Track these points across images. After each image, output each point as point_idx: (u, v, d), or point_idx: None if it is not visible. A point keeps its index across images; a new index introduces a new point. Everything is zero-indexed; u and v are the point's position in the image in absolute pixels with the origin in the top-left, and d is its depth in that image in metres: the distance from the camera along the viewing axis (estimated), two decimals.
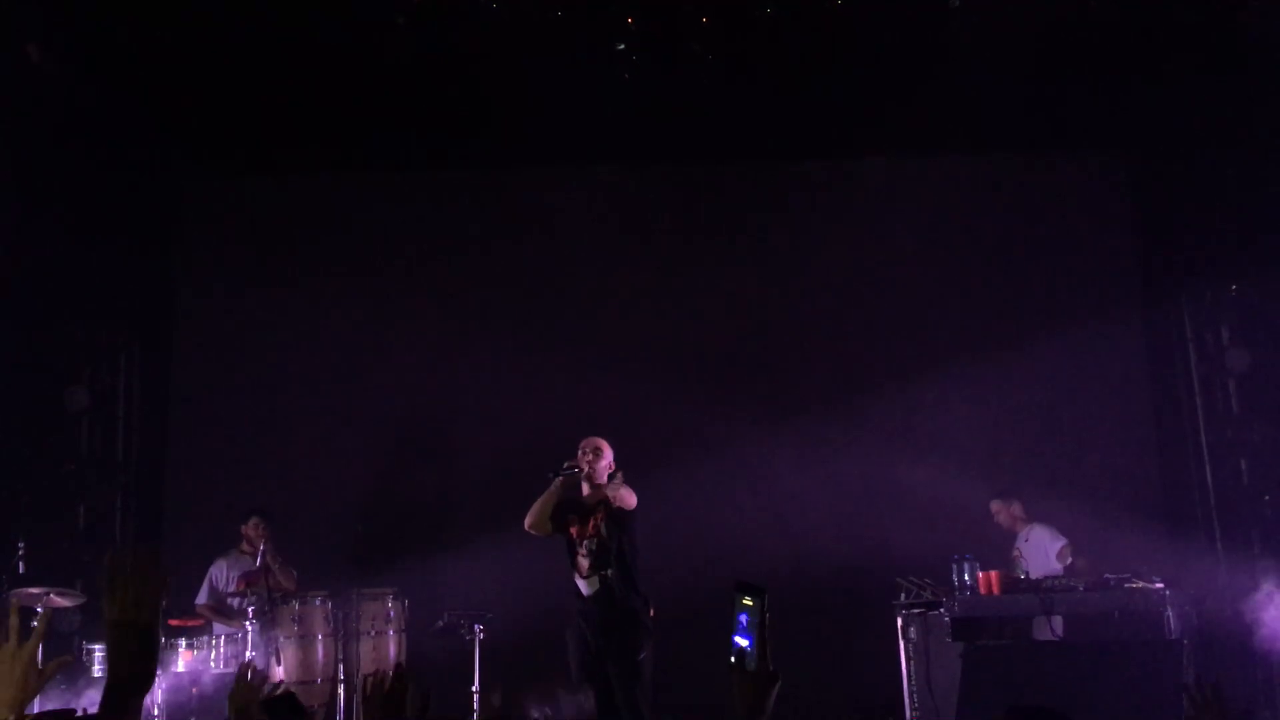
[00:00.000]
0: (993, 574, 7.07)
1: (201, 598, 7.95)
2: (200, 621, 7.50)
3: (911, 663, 7.18)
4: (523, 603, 8.13)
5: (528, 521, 6.45)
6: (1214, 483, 8.39)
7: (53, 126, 7.74)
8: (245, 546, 8.09)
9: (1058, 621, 7.09)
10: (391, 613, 7.67)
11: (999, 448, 8.81)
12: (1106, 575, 6.88)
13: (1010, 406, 8.99)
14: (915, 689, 7.15)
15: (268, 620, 7.32)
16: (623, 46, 7.88)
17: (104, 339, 8.80)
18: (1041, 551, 7.84)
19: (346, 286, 9.32)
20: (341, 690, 7.35)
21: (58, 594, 6.91)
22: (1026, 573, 7.51)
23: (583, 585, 6.45)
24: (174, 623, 7.32)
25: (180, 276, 9.58)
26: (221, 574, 8.03)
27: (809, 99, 8.60)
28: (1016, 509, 8.13)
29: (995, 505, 8.19)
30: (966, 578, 7.11)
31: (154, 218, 9.36)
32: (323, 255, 9.42)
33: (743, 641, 2.66)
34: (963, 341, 9.12)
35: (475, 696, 7.45)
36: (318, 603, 7.54)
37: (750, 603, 2.67)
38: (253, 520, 8.08)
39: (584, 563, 6.45)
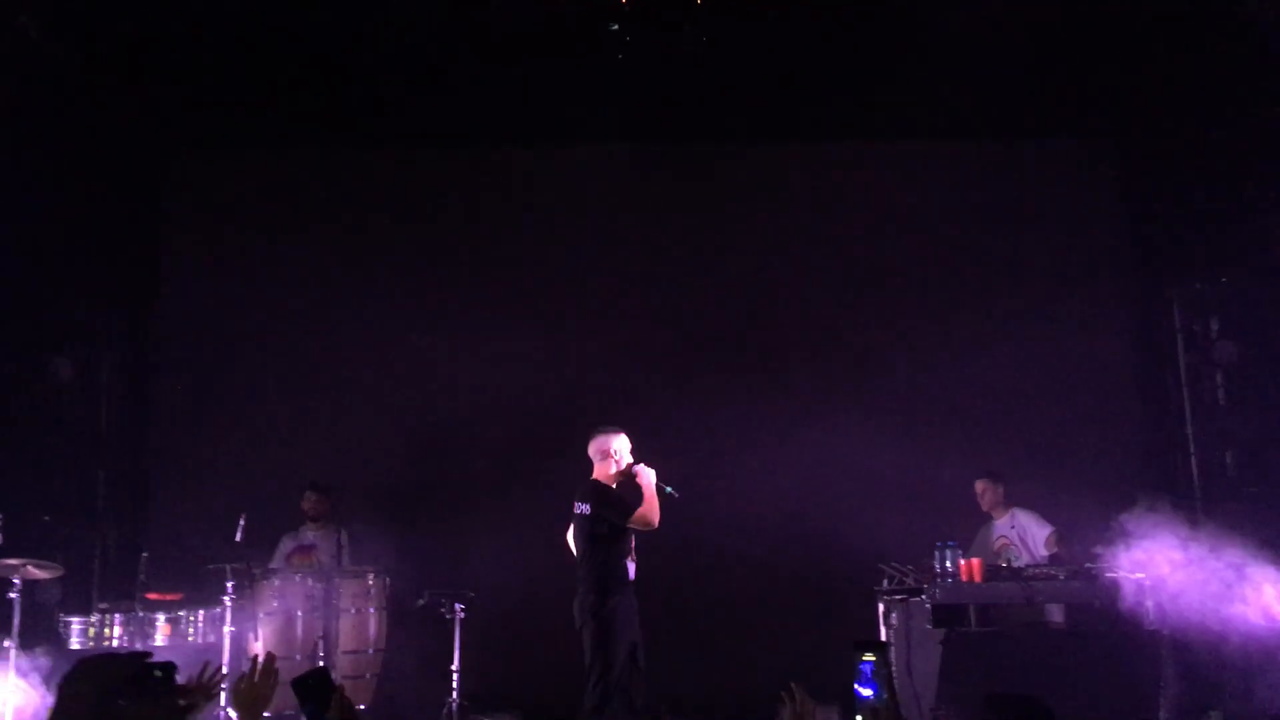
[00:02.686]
0: (975, 561, 7.05)
1: None
2: (179, 596, 7.45)
3: (892, 648, 7.17)
4: (504, 583, 8.14)
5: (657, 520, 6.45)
6: (1199, 474, 8.39)
7: (37, 97, 7.67)
8: (309, 522, 8.21)
9: (1057, 609, 7.07)
10: (372, 590, 7.64)
11: (984, 434, 8.80)
12: (1088, 564, 6.86)
13: (997, 394, 8.97)
14: (896, 675, 7.14)
15: (247, 595, 7.27)
16: (616, 27, 7.84)
17: (86, 311, 8.74)
18: (1030, 538, 7.82)
19: (332, 261, 9.29)
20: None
21: (35, 566, 6.86)
22: (1010, 561, 7.50)
23: (632, 569, 6.50)
24: (152, 596, 7.27)
25: (165, 249, 9.52)
26: (280, 550, 8.18)
27: (800, 82, 8.58)
28: (1001, 492, 8.08)
29: (982, 485, 8.08)
30: (948, 564, 7.08)
31: (139, 190, 9.31)
32: (308, 230, 9.37)
33: (866, 691, 2.99)
34: (950, 328, 9.11)
35: (455, 676, 7.44)
36: (298, 579, 7.51)
37: (873, 656, 3.01)
38: (306, 494, 8.23)
39: (632, 548, 6.53)
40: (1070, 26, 8.01)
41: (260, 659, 2.87)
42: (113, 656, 2.52)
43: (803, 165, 9.58)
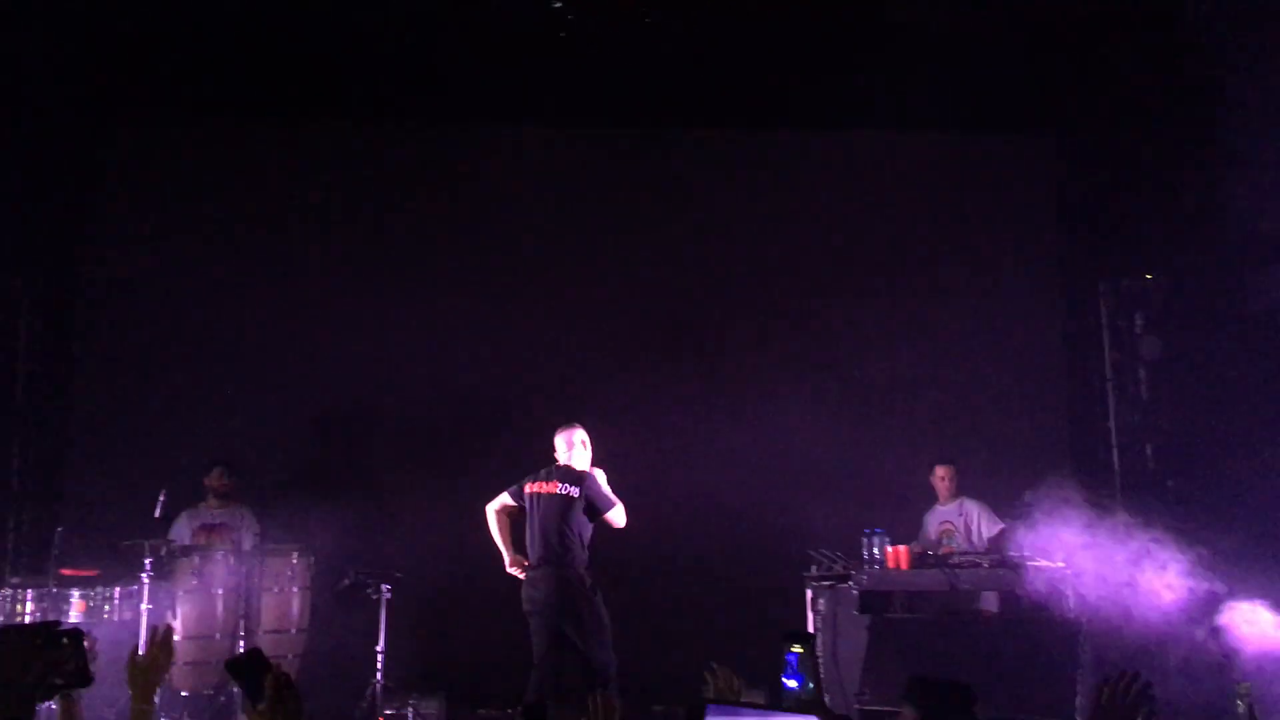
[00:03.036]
0: (901, 548, 7.14)
1: None
2: (95, 572, 7.25)
3: (819, 634, 7.23)
4: (432, 563, 8.07)
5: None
6: (1121, 466, 8.56)
7: None
8: (211, 500, 7.89)
9: (992, 598, 7.14)
10: (296, 569, 7.51)
11: (914, 423, 8.90)
12: (1011, 553, 6.97)
13: (928, 384, 9.09)
14: (822, 660, 7.20)
15: (165, 572, 7.11)
16: (559, 4, 7.78)
17: (3, 283, 8.43)
18: (975, 527, 7.87)
19: (256, 235, 9.11)
20: (242, 647, 7.18)
21: None
22: (949, 546, 7.57)
23: None
24: (67, 573, 7.08)
25: (86, 221, 9.23)
26: (181, 529, 7.76)
27: (742, 71, 8.61)
28: (958, 481, 8.08)
29: (945, 470, 8.03)
30: (876, 551, 7.17)
31: (59, 160, 8.96)
32: (232, 202, 9.17)
33: (792, 682, 3.02)
34: (881, 318, 9.19)
35: (380, 657, 7.35)
36: (219, 556, 7.35)
37: (800, 648, 3.05)
38: (215, 470, 7.91)
39: None
40: (1010, 24, 8.11)
41: (159, 633, 2.79)
42: (19, 627, 2.45)
43: (740, 154, 9.59)
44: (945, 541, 7.82)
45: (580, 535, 6.83)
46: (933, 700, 3.48)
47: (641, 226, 9.43)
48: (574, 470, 6.98)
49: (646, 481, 8.49)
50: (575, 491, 6.84)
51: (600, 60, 8.34)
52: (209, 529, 7.85)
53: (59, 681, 2.32)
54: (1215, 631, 6.64)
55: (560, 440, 7.11)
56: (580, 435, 7.08)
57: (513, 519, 7.06)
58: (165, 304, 8.96)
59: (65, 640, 2.34)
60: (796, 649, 2.97)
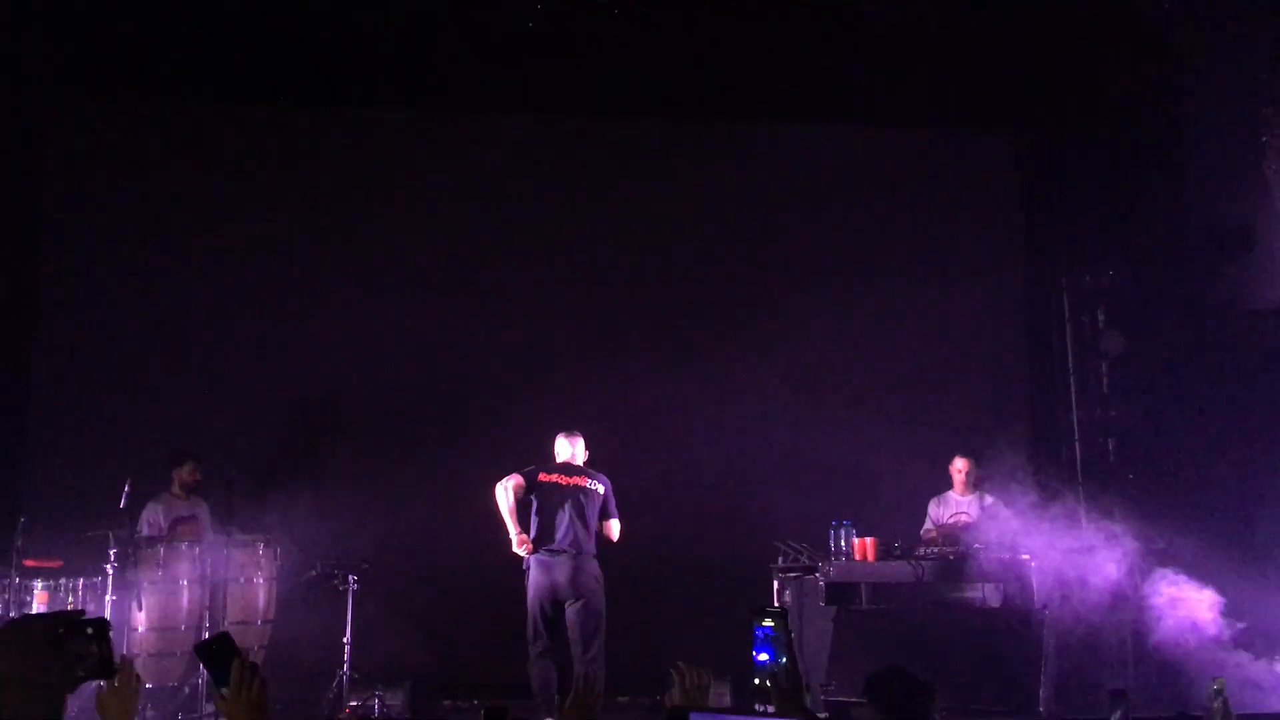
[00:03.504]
0: (868, 540, 7.19)
1: None
2: (58, 563, 7.17)
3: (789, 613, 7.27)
4: (399, 554, 8.04)
5: None
6: (1082, 460, 8.67)
7: None
8: (176, 489, 7.72)
9: (994, 591, 7.06)
10: (262, 560, 7.43)
11: (879, 416, 8.94)
12: (976, 545, 7.04)
13: (892, 377, 9.13)
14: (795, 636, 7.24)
15: (130, 563, 7.03)
16: None
17: None
18: (994, 529, 7.47)
19: (217, 219, 8.97)
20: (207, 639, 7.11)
21: None
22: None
23: None
24: (30, 563, 6.98)
25: (46, 207, 9.10)
26: (156, 519, 7.60)
27: (705, 63, 8.66)
28: (978, 473, 7.94)
29: (964, 463, 7.93)
30: (843, 543, 7.22)
31: (17, 145, 8.81)
32: (194, 187, 9.04)
33: (763, 655, 2.83)
34: (844, 311, 9.20)
35: (347, 648, 7.33)
36: (184, 547, 7.27)
37: (771, 620, 2.86)
38: (189, 465, 7.71)
39: None
40: (973, 19, 8.19)
41: (123, 665, 2.69)
42: (38, 615, 2.36)
43: (709, 146, 9.60)
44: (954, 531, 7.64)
45: (595, 532, 7.08)
46: (891, 699, 3.48)
47: (615, 217, 9.43)
48: (596, 471, 7.23)
49: (614, 471, 8.53)
50: (601, 490, 7.12)
51: (579, 51, 8.37)
52: (186, 520, 7.74)
53: (81, 674, 2.25)
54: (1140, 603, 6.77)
55: (565, 442, 7.27)
56: (583, 443, 7.32)
57: (518, 500, 7.01)
58: (128, 291, 8.85)
59: (90, 630, 2.27)
60: (768, 622, 2.85)
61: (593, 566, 7.01)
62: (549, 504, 6.99)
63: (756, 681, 2.83)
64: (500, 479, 7.00)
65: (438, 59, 8.52)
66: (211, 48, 8.38)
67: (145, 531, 7.42)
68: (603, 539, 7.16)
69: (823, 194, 9.39)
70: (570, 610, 6.93)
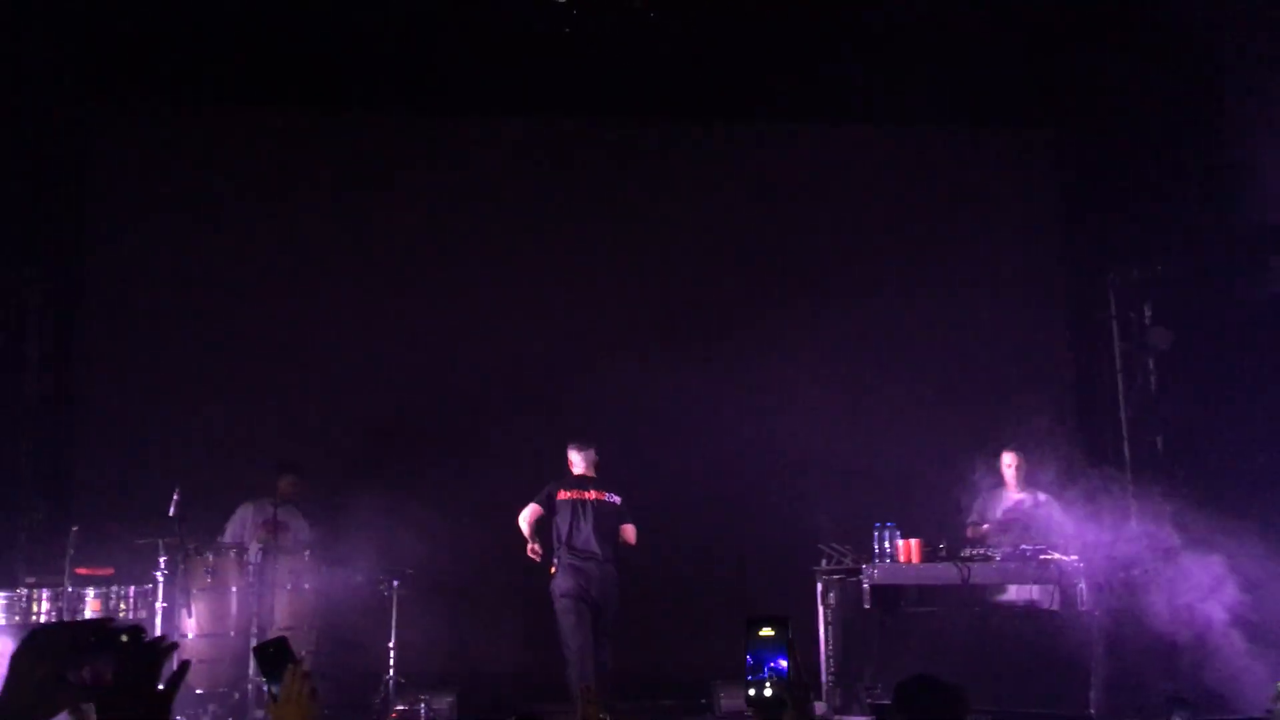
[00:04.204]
0: (912, 542, 7.12)
1: (226, 537, 7.66)
2: (109, 571, 7.27)
3: (830, 627, 7.24)
4: (442, 559, 8.06)
5: None
6: (1130, 457, 8.54)
7: None
8: (275, 498, 7.72)
9: (1042, 592, 6.98)
10: (309, 567, 7.50)
11: (924, 418, 8.86)
12: (1023, 547, 6.96)
13: (936, 378, 9.05)
14: (833, 654, 7.21)
15: (180, 570, 7.12)
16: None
17: (10, 280, 8.43)
18: (1049, 527, 7.39)
19: (264, 226, 9.11)
20: (256, 644, 7.19)
21: None
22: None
23: None
24: (82, 571, 7.08)
25: (90, 215, 9.22)
26: (245, 517, 7.76)
27: (744, 63, 8.68)
28: (1025, 469, 7.81)
29: (1011, 457, 7.80)
30: (887, 545, 7.16)
31: (61, 154, 8.94)
32: (242, 193, 9.17)
33: (766, 665, 2.68)
34: (889, 312, 9.16)
35: (392, 653, 7.38)
36: (232, 554, 7.36)
37: (773, 630, 2.72)
38: (289, 478, 7.83)
39: None
40: (1014, 17, 8.11)
41: (295, 672, 2.56)
42: (69, 623, 2.26)
43: (748, 147, 9.58)
44: (1013, 529, 7.45)
45: (614, 540, 7.56)
46: (921, 706, 3.40)
47: (644, 219, 9.44)
48: (608, 480, 7.72)
49: (651, 474, 8.54)
50: (619, 502, 7.61)
51: (603, 55, 8.38)
52: (270, 525, 7.81)
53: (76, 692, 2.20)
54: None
55: (578, 455, 7.71)
56: (594, 452, 7.75)
57: (538, 518, 7.54)
58: (171, 301, 8.96)
59: (124, 637, 2.22)
60: (767, 632, 2.69)
61: (612, 572, 7.45)
62: (570, 516, 7.50)
63: (752, 693, 2.67)
64: (526, 494, 7.58)
65: (466, 65, 8.58)
66: (248, 59, 8.49)
67: (231, 529, 7.51)
68: (622, 544, 7.57)
69: (864, 195, 9.34)
70: (600, 615, 7.33)
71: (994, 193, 9.48)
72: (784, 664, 2.68)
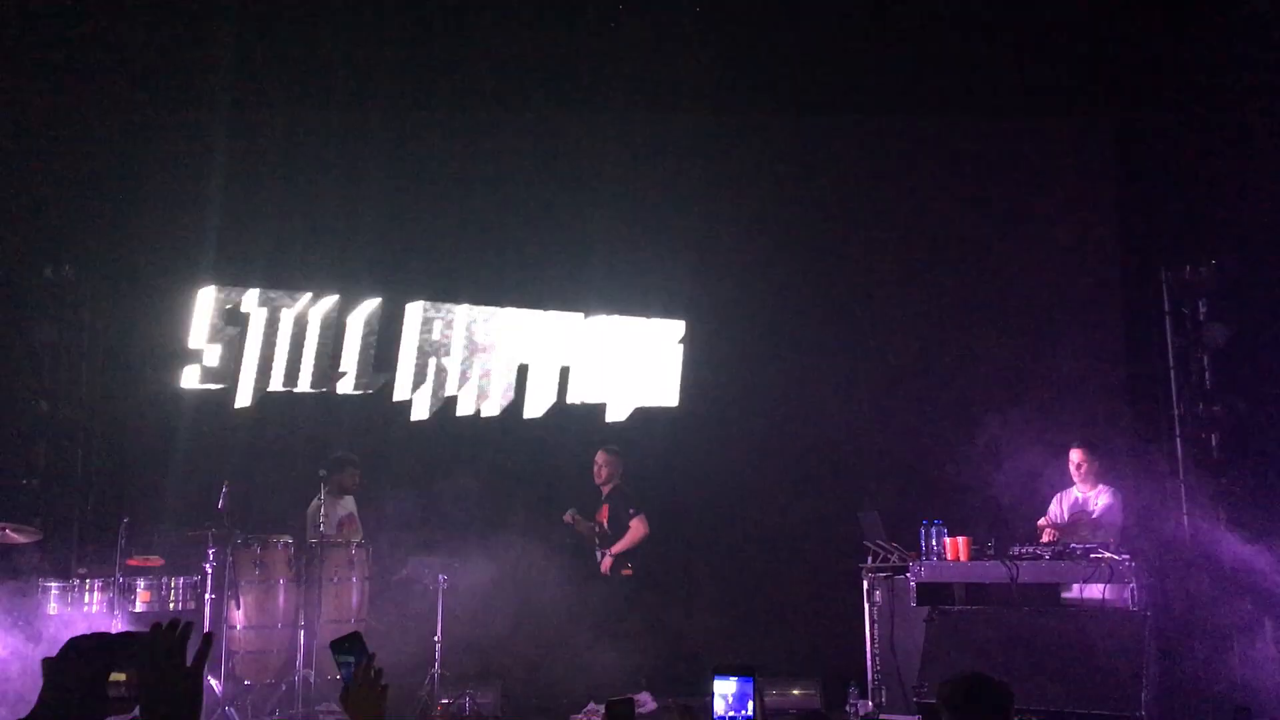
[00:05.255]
0: (960, 539, 7.05)
1: (317, 529, 7.66)
2: (159, 562, 7.37)
3: (876, 625, 7.19)
4: (488, 554, 8.09)
5: None
6: (1184, 455, 8.38)
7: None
8: (335, 491, 7.89)
9: (1094, 591, 6.79)
10: (355, 560, 7.56)
11: (974, 415, 8.75)
12: (1074, 545, 6.86)
13: (988, 375, 8.93)
14: (879, 651, 7.16)
15: (229, 562, 7.19)
16: None
17: (69, 274, 8.56)
18: (1112, 524, 7.37)
19: (312, 212, 9.16)
20: (303, 636, 7.25)
21: (13, 529, 6.82)
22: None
23: None
24: (132, 562, 7.20)
25: (139, 208, 9.29)
26: (334, 513, 7.83)
27: (796, 57, 8.58)
28: (1096, 465, 7.60)
29: (1076, 454, 7.60)
30: (934, 542, 7.10)
31: (113, 149, 9.05)
32: (317, 182, 9.21)
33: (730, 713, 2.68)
34: (938, 307, 9.07)
35: (438, 647, 7.41)
36: (280, 547, 7.42)
37: (736, 682, 2.77)
38: (351, 470, 7.99)
39: None
40: (1070, 8, 8.00)
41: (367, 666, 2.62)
42: (102, 634, 2.34)
43: (806, 139, 9.43)
44: (1080, 528, 7.35)
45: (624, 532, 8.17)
46: (968, 705, 3.36)
47: (736, 202, 9.37)
48: (613, 479, 8.30)
49: (697, 464, 8.55)
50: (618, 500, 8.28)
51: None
52: (350, 519, 7.94)
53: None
54: None
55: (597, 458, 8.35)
56: (603, 456, 8.38)
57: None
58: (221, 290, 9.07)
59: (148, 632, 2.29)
60: (732, 686, 2.73)
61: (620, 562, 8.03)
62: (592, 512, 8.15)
63: None
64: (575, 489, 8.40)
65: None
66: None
67: (320, 528, 7.54)
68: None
69: (915, 187, 9.23)
70: None
71: (1051, 184, 9.29)
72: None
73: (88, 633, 2.43)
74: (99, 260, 8.86)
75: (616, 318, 9.46)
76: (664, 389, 9.35)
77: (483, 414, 9.25)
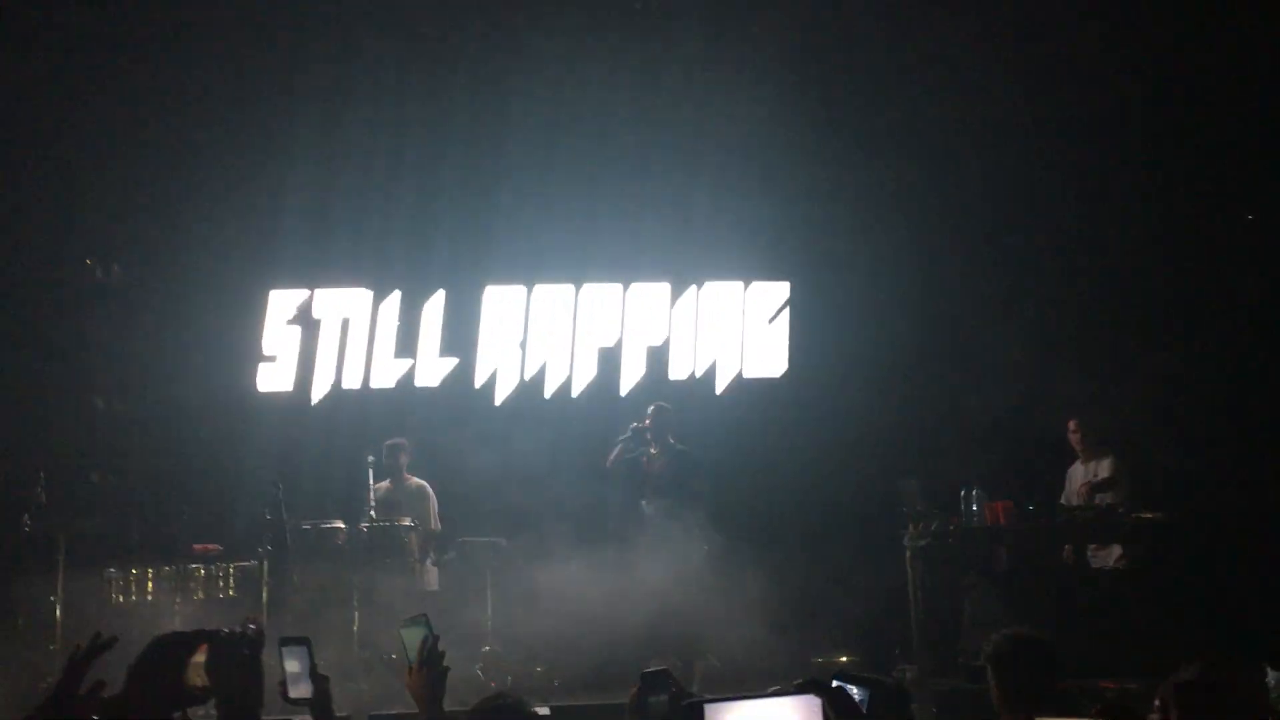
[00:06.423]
0: (1000, 504, 7.03)
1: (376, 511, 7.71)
2: (218, 548, 7.49)
3: (919, 591, 7.21)
4: (536, 533, 8.13)
5: None
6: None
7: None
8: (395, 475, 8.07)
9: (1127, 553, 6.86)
10: (407, 545, 7.67)
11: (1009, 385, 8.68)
12: (1109, 505, 6.85)
13: (1020, 340, 8.86)
14: (923, 618, 7.18)
15: (283, 548, 7.32)
16: None
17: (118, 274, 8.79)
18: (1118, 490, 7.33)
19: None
20: (357, 617, 7.37)
21: (78, 519, 6.99)
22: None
23: None
24: (196, 548, 7.36)
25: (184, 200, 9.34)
26: (395, 500, 7.97)
27: None
28: (1079, 437, 7.64)
29: (1072, 423, 7.62)
30: (974, 507, 7.08)
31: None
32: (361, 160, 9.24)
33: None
34: (975, 266, 9.08)
35: (489, 623, 7.50)
36: (333, 532, 7.56)
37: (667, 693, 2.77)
38: (399, 454, 8.09)
39: None
40: None
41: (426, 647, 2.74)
42: (180, 633, 2.49)
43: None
44: (1087, 499, 7.33)
45: None
46: (1015, 663, 3.36)
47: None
48: None
49: (733, 436, 8.55)
50: None
51: None
52: (399, 503, 8.05)
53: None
54: None
55: None
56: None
57: None
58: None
59: (247, 650, 2.52)
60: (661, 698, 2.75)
61: None
62: None
63: None
64: None
65: None
66: None
67: (371, 512, 7.62)
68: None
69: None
70: None
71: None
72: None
73: (170, 631, 2.63)
74: (161, 262, 9.04)
75: (709, 284, 9.40)
76: (770, 357, 9.30)
77: (573, 394, 9.26)
